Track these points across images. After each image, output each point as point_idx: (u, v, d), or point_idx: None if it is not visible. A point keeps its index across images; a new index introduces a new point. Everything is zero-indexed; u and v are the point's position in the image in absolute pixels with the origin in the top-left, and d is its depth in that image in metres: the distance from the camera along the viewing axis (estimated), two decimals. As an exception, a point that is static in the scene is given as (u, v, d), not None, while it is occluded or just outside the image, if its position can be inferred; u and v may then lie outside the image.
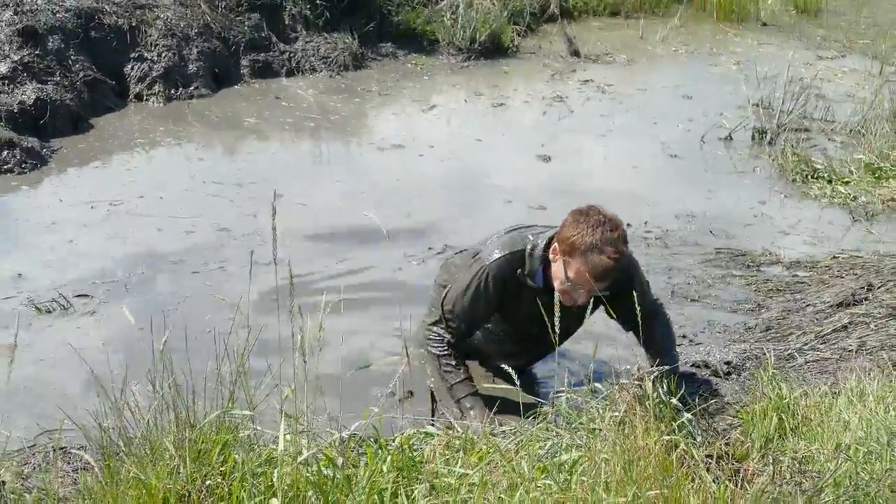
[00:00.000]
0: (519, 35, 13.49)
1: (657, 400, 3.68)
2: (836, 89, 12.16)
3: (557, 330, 4.26)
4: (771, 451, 3.71)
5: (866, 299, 6.29)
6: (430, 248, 7.30)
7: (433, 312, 5.16)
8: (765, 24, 15.08)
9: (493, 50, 12.89)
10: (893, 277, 6.55)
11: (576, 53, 13.04)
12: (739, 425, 4.06)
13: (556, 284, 4.76)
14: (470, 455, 3.61)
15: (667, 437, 3.49)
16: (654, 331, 5.20)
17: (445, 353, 5.03)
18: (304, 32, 12.08)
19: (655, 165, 9.45)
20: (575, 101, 11.37)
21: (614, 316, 4.86)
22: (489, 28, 12.79)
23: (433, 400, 5.09)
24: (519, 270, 4.91)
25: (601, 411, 3.77)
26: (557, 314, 3.88)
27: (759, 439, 3.81)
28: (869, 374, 4.38)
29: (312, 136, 9.82)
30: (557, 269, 4.78)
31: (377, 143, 9.63)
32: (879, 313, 5.98)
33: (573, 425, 3.77)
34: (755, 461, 3.60)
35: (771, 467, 3.46)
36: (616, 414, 3.62)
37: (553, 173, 9.12)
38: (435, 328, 5.07)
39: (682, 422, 3.69)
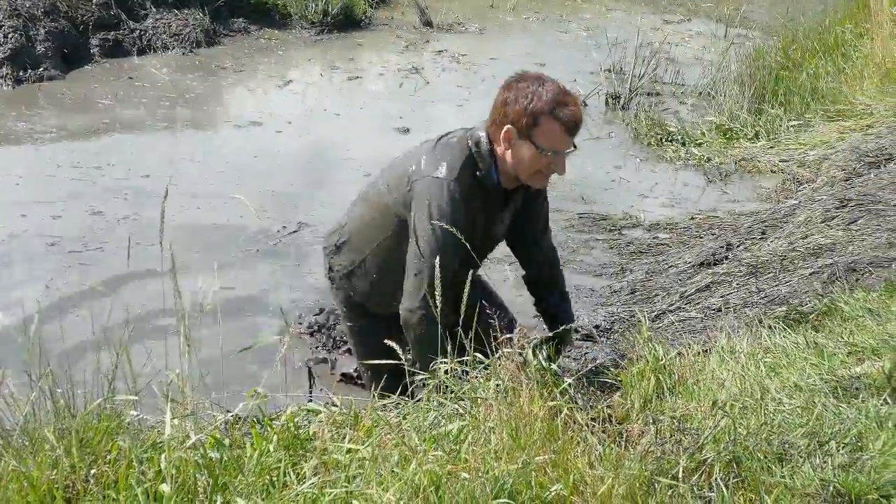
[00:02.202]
0: (371, 6, 13.47)
1: (538, 366, 3.73)
2: (684, 53, 12.43)
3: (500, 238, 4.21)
4: (651, 411, 3.80)
5: (726, 258, 6.46)
6: (284, 227, 7.27)
7: (414, 281, 4.28)
8: (612, -10, 15.31)
9: (346, 22, 12.85)
10: (751, 236, 6.73)
11: (428, 24, 13.07)
12: (618, 387, 4.14)
13: (525, 170, 4.27)
14: (357, 430, 3.61)
15: (551, 403, 3.55)
16: (556, 281, 4.88)
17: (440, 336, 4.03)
18: (154, 10, 11.87)
19: (513, 133, 9.52)
20: (430, 71, 11.40)
21: (514, 241, 4.71)
22: (341, 0, 12.73)
23: (311, 377, 5.08)
24: (478, 172, 4.32)
25: (483, 380, 3.81)
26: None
27: (638, 400, 3.90)
28: (737, 331, 4.50)
29: (168, 116, 9.66)
30: (523, 152, 4.23)
31: (234, 121, 9.54)
32: (740, 272, 6.14)
33: (456, 394, 3.80)
34: (638, 422, 3.68)
35: (652, 427, 3.54)
36: (499, 382, 3.66)
37: (412, 145, 9.10)
38: (422, 303, 4.23)
39: (564, 387, 3.75)
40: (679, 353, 4.15)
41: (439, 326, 3.91)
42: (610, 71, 11.09)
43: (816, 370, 4.07)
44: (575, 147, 4.28)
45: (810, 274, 5.75)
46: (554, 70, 11.28)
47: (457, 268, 4.21)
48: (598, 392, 4.15)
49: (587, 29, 13.29)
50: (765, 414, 3.60)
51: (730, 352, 4.21)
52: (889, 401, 3.76)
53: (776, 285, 5.84)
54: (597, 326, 5.74)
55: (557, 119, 4.14)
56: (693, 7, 14.71)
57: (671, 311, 5.79)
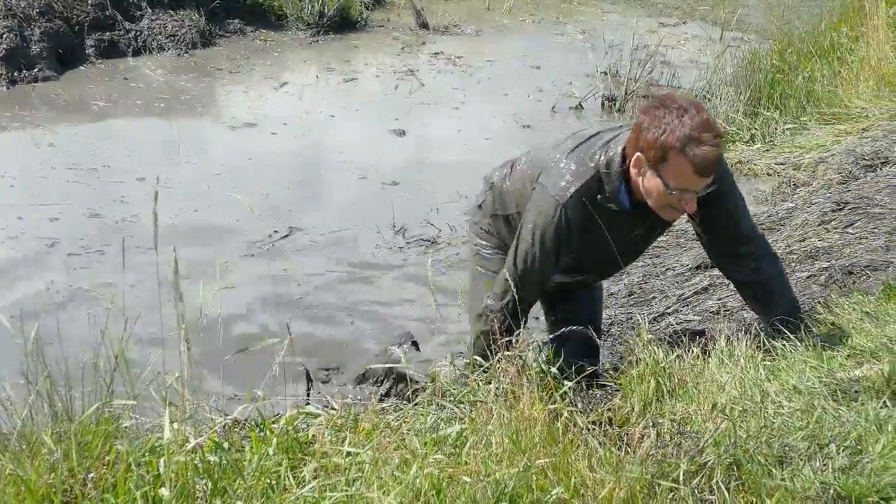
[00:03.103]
0: (367, 8, 13.46)
1: (538, 370, 3.74)
2: (679, 55, 12.43)
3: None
4: (651, 414, 3.80)
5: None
6: (276, 231, 7.27)
7: (502, 282, 4.29)
8: (607, -8, 15.30)
9: (342, 24, 12.83)
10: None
11: (424, 26, 13.06)
12: (619, 390, 4.14)
13: (653, 202, 4.05)
14: (357, 433, 3.61)
15: (551, 406, 3.55)
16: (766, 274, 4.48)
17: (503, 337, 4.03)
18: (150, 10, 11.86)
19: (508, 136, 9.54)
20: (426, 73, 11.40)
21: (703, 237, 4.43)
22: (337, 2, 12.72)
23: (308, 380, 5.07)
24: (599, 196, 4.11)
25: (482, 383, 3.81)
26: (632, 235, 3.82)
27: (638, 403, 3.90)
28: (736, 335, 4.50)
29: (164, 118, 9.68)
30: (650, 183, 3.99)
31: (229, 123, 9.55)
32: (737, 274, 6.14)
33: (457, 398, 3.80)
34: (638, 425, 3.68)
35: (652, 430, 3.54)
36: (499, 385, 3.66)
37: (407, 147, 9.16)
38: (505, 303, 4.26)
39: (565, 391, 3.75)
40: (679, 356, 4.14)
41: (506, 334, 3.95)
42: (606, 73, 11.09)
43: (816, 373, 4.06)
44: (711, 186, 4.02)
45: (807, 277, 5.74)
46: (550, 72, 11.35)
47: (547, 284, 4.36)
48: (598, 395, 4.15)
49: (583, 31, 13.30)
50: (764, 417, 3.60)
51: (729, 355, 4.20)
52: (888, 404, 3.76)
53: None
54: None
55: (687, 157, 3.86)
56: (689, 10, 14.72)
57: (669, 314, 5.79)
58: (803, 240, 6.34)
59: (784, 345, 4.24)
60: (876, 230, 6.31)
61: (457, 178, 8.21)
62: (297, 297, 6.41)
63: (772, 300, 4.51)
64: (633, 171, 4.04)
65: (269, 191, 7.90)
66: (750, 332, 4.42)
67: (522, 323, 4.31)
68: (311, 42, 12.44)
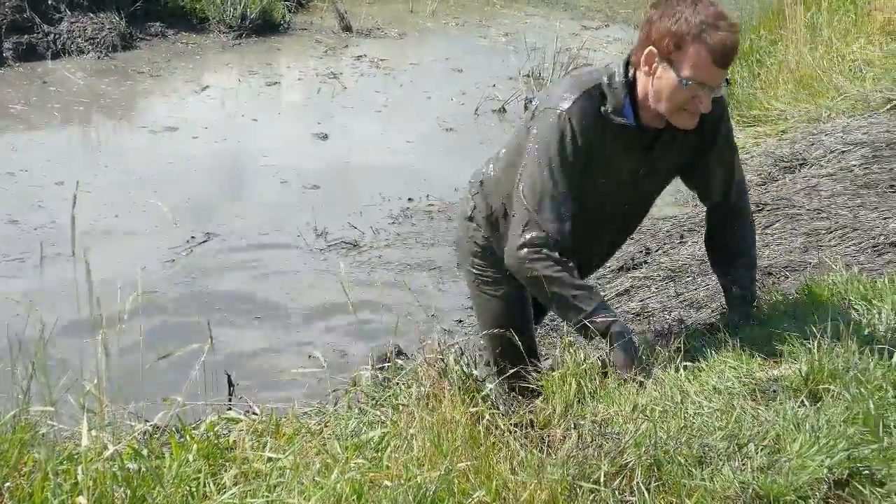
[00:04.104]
0: (290, 11, 13.37)
1: (459, 372, 3.73)
2: (602, 59, 12.46)
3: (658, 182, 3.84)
4: (572, 416, 3.80)
5: (645, 262, 6.51)
6: (192, 238, 7.22)
7: (519, 219, 3.94)
8: (531, -4, 15.34)
9: (265, 27, 12.75)
10: (669, 240, 6.79)
11: (347, 28, 13.02)
12: (540, 393, 4.14)
13: (664, 103, 3.77)
14: (278, 438, 3.59)
15: (473, 409, 3.55)
16: (733, 230, 4.39)
17: (560, 268, 3.85)
18: (69, 13, 11.68)
19: (432, 139, 9.55)
20: (349, 77, 11.38)
21: (692, 178, 4.22)
22: (259, 4, 12.64)
23: (230, 384, 5.02)
24: (602, 108, 3.83)
25: (404, 387, 3.80)
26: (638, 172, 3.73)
27: (560, 405, 3.90)
28: (658, 335, 4.54)
29: (83, 122, 9.58)
30: (663, 80, 3.74)
31: (150, 127, 9.47)
32: (658, 276, 6.19)
33: (377, 401, 3.79)
34: (560, 427, 3.69)
35: (574, 432, 3.55)
36: (420, 388, 3.66)
37: (330, 151, 9.13)
38: (530, 238, 3.87)
39: (486, 393, 3.75)
40: (600, 357, 4.15)
41: (552, 259, 3.79)
42: (529, 76, 11.12)
43: (735, 373, 4.10)
44: (728, 83, 3.87)
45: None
46: (473, 75, 11.36)
47: (568, 215, 3.87)
48: (520, 397, 4.16)
49: (506, 34, 13.32)
50: (685, 417, 3.62)
51: (649, 355, 4.23)
52: (806, 403, 3.80)
53: (695, 289, 5.90)
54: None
55: (704, 43, 3.63)
56: (611, 13, 14.80)
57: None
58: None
59: (703, 346, 4.28)
60: (794, 231, 6.39)
61: (379, 181, 8.22)
62: (218, 302, 6.37)
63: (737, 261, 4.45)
64: (642, 70, 3.79)
65: (189, 195, 7.84)
66: (671, 334, 4.46)
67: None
68: (234, 45, 12.34)
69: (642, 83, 3.82)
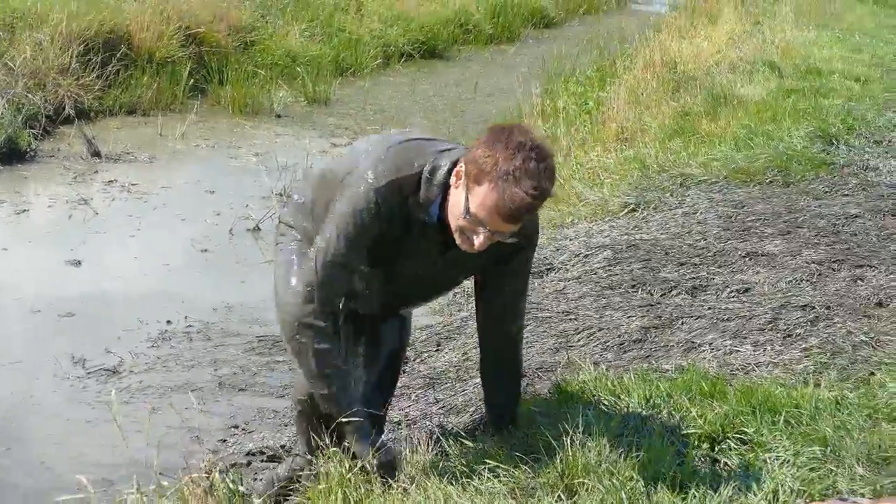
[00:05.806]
0: (36, 138, 13.13)
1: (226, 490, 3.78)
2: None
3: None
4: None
5: (404, 372, 6.65)
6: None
7: (302, 271, 4.13)
8: (279, 116, 15.45)
9: (11, 155, 12.45)
10: (426, 349, 6.99)
11: (96, 154, 12.89)
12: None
13: (451, 218, 3.88)
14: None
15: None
16: (505, 363, 4.66)
17: (329, 348, 4.01)
18: None
19: (187, 261, 9.53)
20: (100, 202, 11.24)
21: (481, 282, 4.34)
22: (4, 133, 12.41)
23: None
24: (411, 199, 3.93)
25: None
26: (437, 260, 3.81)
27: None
28: (419, 443, 4.68)
29: None
30: (456, 199, 3.84)
31: None
32: (417, 384, 6.37)
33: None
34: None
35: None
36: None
37: (84, 278, 9.00)
38: (307, 305, 4.04)
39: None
40: (364, 468, 4.26)
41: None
42: (281, 195, 11.22)
43: (494, 474, 4.28)
44: (510, 240, 3.90)
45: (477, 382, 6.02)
46: (226, 196, 11.41)
47: (354, 279, 4.05)
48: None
49: (257, 154, 13.42)
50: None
51: (413, 464, 4.37)
52: (563, 497, 4.01)
53: (453, 395, 6.10)
54: (283, 446, 5.80)
55: (497, 192, 3.68)
56: (359, 130, 15.07)
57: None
58: (476, 346, 6.64)
59: (465, 452, 4.45)
60: (545, 333, 6.68)
61: (136, 305, 8.17)
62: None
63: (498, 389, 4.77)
64: (453, 179, 3.92)
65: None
66: (433, 440, 4.62)
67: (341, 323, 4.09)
68: (-21, 174, 12.08)
69: (451, 187, 3.97)
